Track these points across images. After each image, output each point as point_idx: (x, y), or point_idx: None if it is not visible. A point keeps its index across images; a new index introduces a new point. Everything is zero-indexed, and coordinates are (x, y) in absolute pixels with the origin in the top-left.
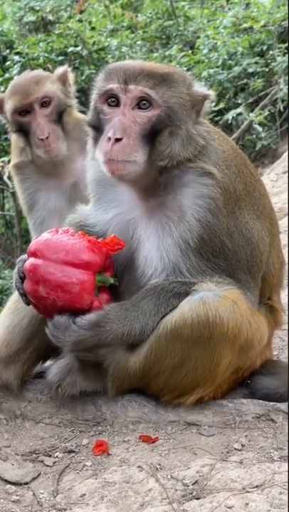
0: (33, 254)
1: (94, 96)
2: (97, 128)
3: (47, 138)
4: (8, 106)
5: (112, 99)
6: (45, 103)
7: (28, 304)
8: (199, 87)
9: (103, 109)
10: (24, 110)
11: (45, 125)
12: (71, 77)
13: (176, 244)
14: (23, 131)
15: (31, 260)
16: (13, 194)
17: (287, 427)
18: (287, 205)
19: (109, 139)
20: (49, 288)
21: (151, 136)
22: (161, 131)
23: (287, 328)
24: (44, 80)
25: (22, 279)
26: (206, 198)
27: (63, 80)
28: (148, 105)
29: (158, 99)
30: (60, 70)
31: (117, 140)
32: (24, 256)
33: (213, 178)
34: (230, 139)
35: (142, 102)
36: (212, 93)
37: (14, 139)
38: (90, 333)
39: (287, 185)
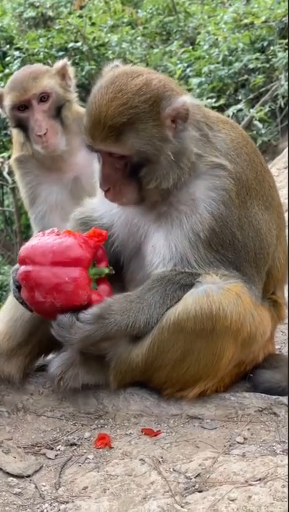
0: (23, 262)
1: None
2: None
3: (45, 134)
4: (7, 102)
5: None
6: (43, 98)
7: (31, 311)
8: (176, 100)
9: (93, 153)
10: (22, 106)
11: (43, 121)
12: (71, 70)
13: (185, 236)
14: (22, 126)
15: (22, 268)
16: (13, 190)
17: (288, 420)
18: (287, 201)
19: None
20: (44, 292)
21: (133, 173)
22: (140, 168)
23: (288, 322)
24: (42, 75)
25: (19, 287)
26: (220, 190)
27: (62, 73)
28: (117, 156)
29: (123, 152)
30: (59, 63)
31: (106, 190)
32: (17, 265)
33: (226, 170)
34: (239, 127)
35: (112, 154)
36: (188, 100)
37: (15, 134)
38: (95, 327)
39: (287, 180)
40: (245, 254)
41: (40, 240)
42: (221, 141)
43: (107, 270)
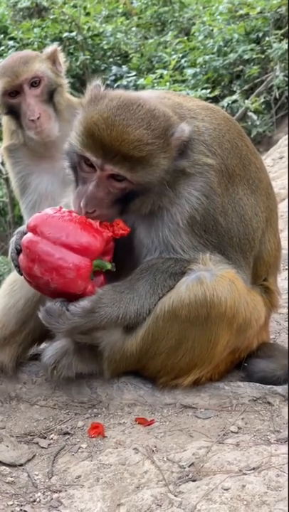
0: (32, 230)
1: (72, 141)
2: (74, 170)
3: (38, 119)
4: None
5: (89, 163)
6: (34, 83)
7: (21, 274)
8: (179, 127)
9: (80, 163)
10: (13, 92)
11: (36, 105)
12: (61, 56)
13: (165, 225)
14: (14, 113)
15: (29, 236)
16: (7, 180)
17: (283, 409)
18: (283, 191)
19: (81, 208)
20: (44, 269)
21: (124, 199)
22: (134, 197)
23: (284, 311)
24: (33, 60)
25: (18, 251)
26: (200, 183)
27: (53, 59)
28: (122, 178)
29: (132, 180)
30: (49, 48)
31: (88, 213)
32: (23, 227)
33: (207, 165)
34: (221, 110)
35: (116, 177)
36: (188, 130)
37: (5, 123)
38: (84, 320)
39: (283, 170)
40: (229, 240)
41: (56, 215)
42: (205, 131)
43: (109, 266)
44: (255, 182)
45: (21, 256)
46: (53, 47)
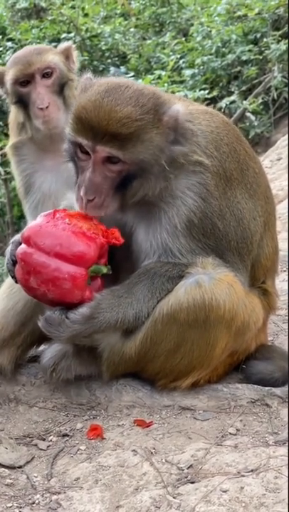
0: (26, 241)
1: (66, 132)
2: (73, 162)
3: (47, 108)
4: (9, 76)
5: (83, 149)
6: (46, 74)
7: (17, 282)
8: (170, 108)
9: (76, 152)
10: (25, 81)
11: (46, 95)
12: (75, 53)
13: (163, 228)
14: (23, 102)
15: (24, 248)
16: (5, 181)
17: (282, 411)
18: (281, 192)
19: (82, 197)
20: (40, 280)
21: (123, 184)
22: (132, 180)
23: (282, 313)
24: (46, 51)
25: (14, 261)
26: (197, 185)
27: (66, 54)
28: (117, 160)
29: (125, 159)
30: (63, 44)
31: (89, 200)
32: (18, 237)
33: (203, 165)
34: (220, 114)
35: (111, 159)
36: (181, 109)
37: (13, 115)
38: (84, 327)
39: (281, 172)
40: (227, 243)
41: (49, 223)
42: (200, 134)
43: (105, 270)
44: (253, 186)
45: (17, 267)
46: (67, 43)
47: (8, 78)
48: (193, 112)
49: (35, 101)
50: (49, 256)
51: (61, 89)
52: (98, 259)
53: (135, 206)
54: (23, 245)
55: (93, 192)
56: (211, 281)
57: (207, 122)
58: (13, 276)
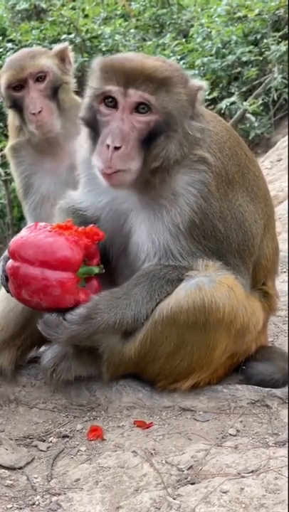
0: (12, 256)
1: (88, 93)
2: (93, 127)
3: (39, 113)
4: (3, 81)
5: (109, 100)
6: (40, 78)
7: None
8: (193, 80)
9: (100, 109)
10: (18, 85)
11: (38, 99)
12: (71, 54)
13: (166, 229)
14: (17, 106)
15: (11, 262)
16: (5, 182)
17: (282, 412)
18: (281, 193)
19: (108, 146)
20: (31, 291)
21: (148, 139)
22: (158, 135)
23: (282, 314)
24: (40, 55)
25: (6, 277)
26: (199, 184)
27: (61, 56)
28: (147, 110)
29: (157, 105)
30: (58, 46)
31: (116, 148)
32: (7, 253)
33: (206, 164)
34: (223, 121)
35: (141, 107)
36: (205, 83)
37: (11, 118)
38: (82, 327)
39: (281, 173)
40: (228, 246)
41: (30, 235)
42: (206, 133)
43: (97, 270)
44: (254, 190)
45: (9, 282)
46: (63, 45)
47: (2, 83)
48: (204, 114)
49: (28, 106)
50: (35, 266)
51: (55, 92)
52: (90, 261)
53: (139, 199)
54: (10, 260)
55: (121, 140)
56: (211, 284)
57: (213, 124)
58: (9, 291)
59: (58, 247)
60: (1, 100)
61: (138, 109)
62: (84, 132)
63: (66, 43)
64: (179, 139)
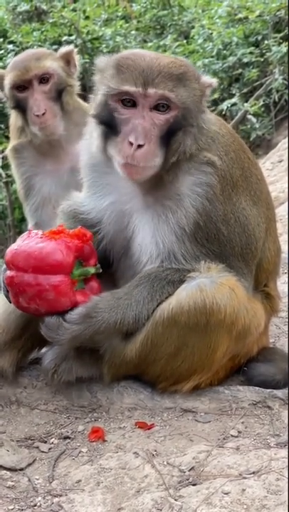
0: (8, 266)
1: (103, 92)
2: (109, 125)
3: (43, 114)
4: (7, 81)
5: (127, 100)
6: (44, 79)
7: None
8: (204, 76)
9: (117, 108)
10: (22, 86)
11: (42, 101)
12: (76, 57)
13: (171, 231)
14: (21, 107)
15: (7, 272)
16: (7, 184)
17: (283, 413)
18: (282, 194)
19: (131, 143)
20: (28, 298)
21: (168, 136)
22: (177, 130)
23: (284, 315)
24: (45, 57)
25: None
26: (204, 186)
27: (67, 58)
28: (166, 107)
29: (176, 102)
30: (63, 48)
31: (140, 146)
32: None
33: (213, 166)
34: (227, 124)
35: (161, 105)
36: (215, 80)
37: (13, 119)
38: (82, 327)
39: (282, 174)
40: (231, 249)
41: (23, 244)
42: (213, 136)
43: (93, 270)
44: (257, 193)
45: (9, 292)
46: (68, 47)
47: (6, 83)
48: (210, 116)
49: (31, 107)
50: (28, 273)
51: (59, 95)
52: (87, 262)
53: (144, 198)
54: (6, 270)
55: (144, 137)
56: (213, 286)
57: (218, 127)
58: (10, 302)
59: (48, 252)
60: (4, 100)
61: (157, 108)
62: (96, 130)
63: (71, 46)
64: (194, 133)
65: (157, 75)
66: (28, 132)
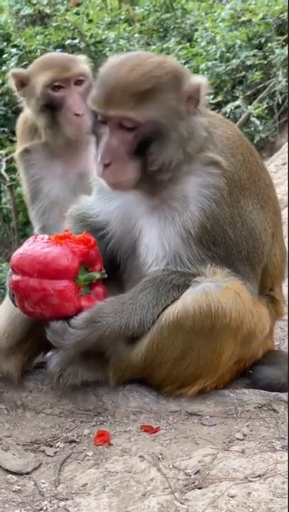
0: (14, 270)
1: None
2: (95, 135)
3: (83, 115)
4: (41, 79)
5: (100, 118)
6: (79, 81)
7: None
8: (192, 79)
9: (96, 122)
10: (58, 85)
11: (81, 102)
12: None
13: (177, 233)
14: (53, 107)
15: (13, 277)
16: (11, 187)
17: (288, 416)
18: (285, 197)
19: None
20: (33, 303)
21: (141, 149)
22: (149, 143)
23: (287, 318)
24: (79, 59)
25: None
26: (211, 188)
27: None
28: (131, 124)
29: (140, 119)
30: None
31: (106, 165)
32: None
33: (220, 168)
34: (235, 126)
35: (124, 123)
36: (204, 81)
37: (23, 120)
38: (87, 331)
39: (286, 177)
40: (238, 253)
41: (29, 248)
42: (218, 137)
43: (98, 275)
44: (264, 198)
45: (15, 297)
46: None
47: (40, 80)
48: (215, 118)
49: (71, 106)
50: (33, 277)
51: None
52: (92, 267)
53: (148, 201)
54: (12, 275)
55: (110, 156)
56: (218, 290)
57: (224, 129)
58: (16, 305)
59: (54, 257)
60: (19, 101)
61: (123, 126)
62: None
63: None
64: (176, 141)
65: (120, 96)
66: (44, 133)
